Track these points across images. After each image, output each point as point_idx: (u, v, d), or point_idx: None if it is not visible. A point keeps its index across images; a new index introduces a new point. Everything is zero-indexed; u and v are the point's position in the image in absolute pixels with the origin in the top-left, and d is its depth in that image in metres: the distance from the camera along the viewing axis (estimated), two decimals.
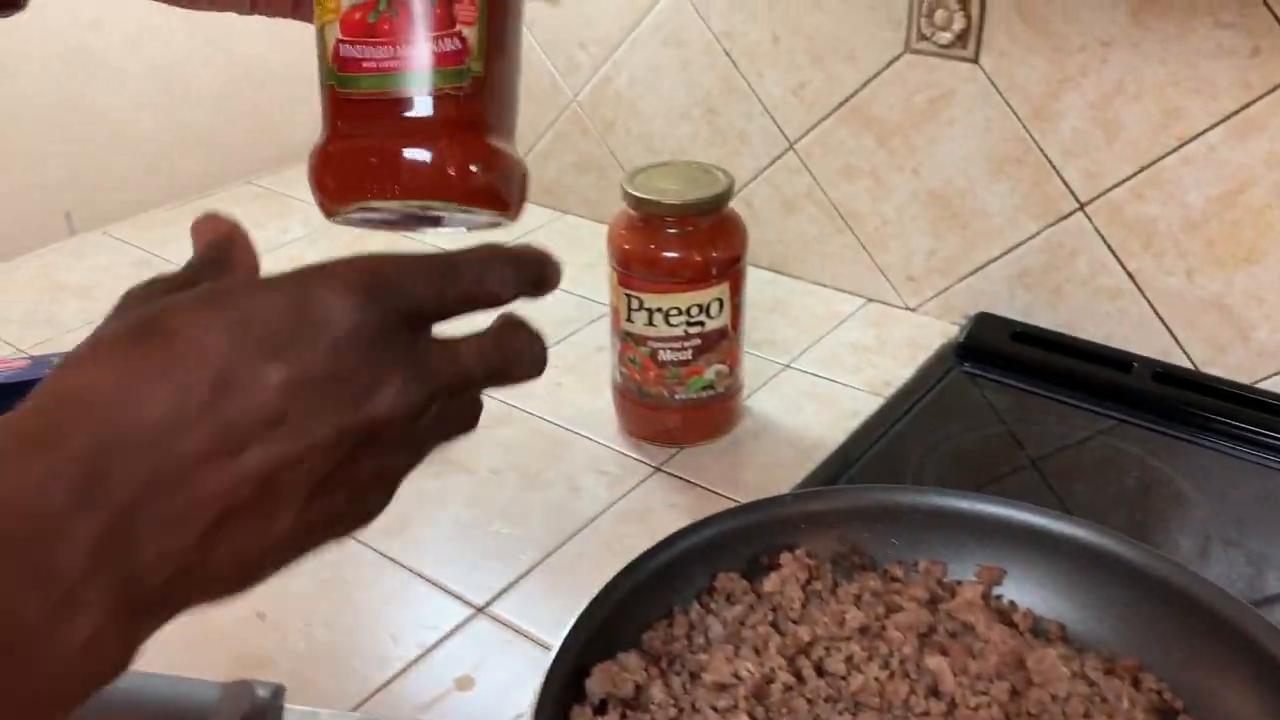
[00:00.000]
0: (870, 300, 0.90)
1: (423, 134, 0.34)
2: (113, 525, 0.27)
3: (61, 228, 1.04)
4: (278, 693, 0.43)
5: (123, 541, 0.27)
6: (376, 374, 0.30)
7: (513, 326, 0.34)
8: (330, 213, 0.37)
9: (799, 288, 0.93)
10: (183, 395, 0.28)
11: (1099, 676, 0.50)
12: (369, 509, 0.34)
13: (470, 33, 0.34)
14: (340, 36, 0.35)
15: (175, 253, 1.00)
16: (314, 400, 0.29)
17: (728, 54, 0.89)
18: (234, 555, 0.30)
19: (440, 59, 0.34)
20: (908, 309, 0.89)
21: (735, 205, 0.70)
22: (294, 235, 1.03)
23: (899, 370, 0.81)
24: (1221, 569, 0.64)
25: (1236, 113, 0.70)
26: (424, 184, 0.35)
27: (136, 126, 1.07)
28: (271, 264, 1.01)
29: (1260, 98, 0.68)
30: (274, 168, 1.16)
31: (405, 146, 0.34)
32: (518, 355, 0.34)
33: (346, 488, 0.32)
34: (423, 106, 0.34)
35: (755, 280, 0.80)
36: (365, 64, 0.34)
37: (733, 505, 0.58)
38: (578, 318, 0.88)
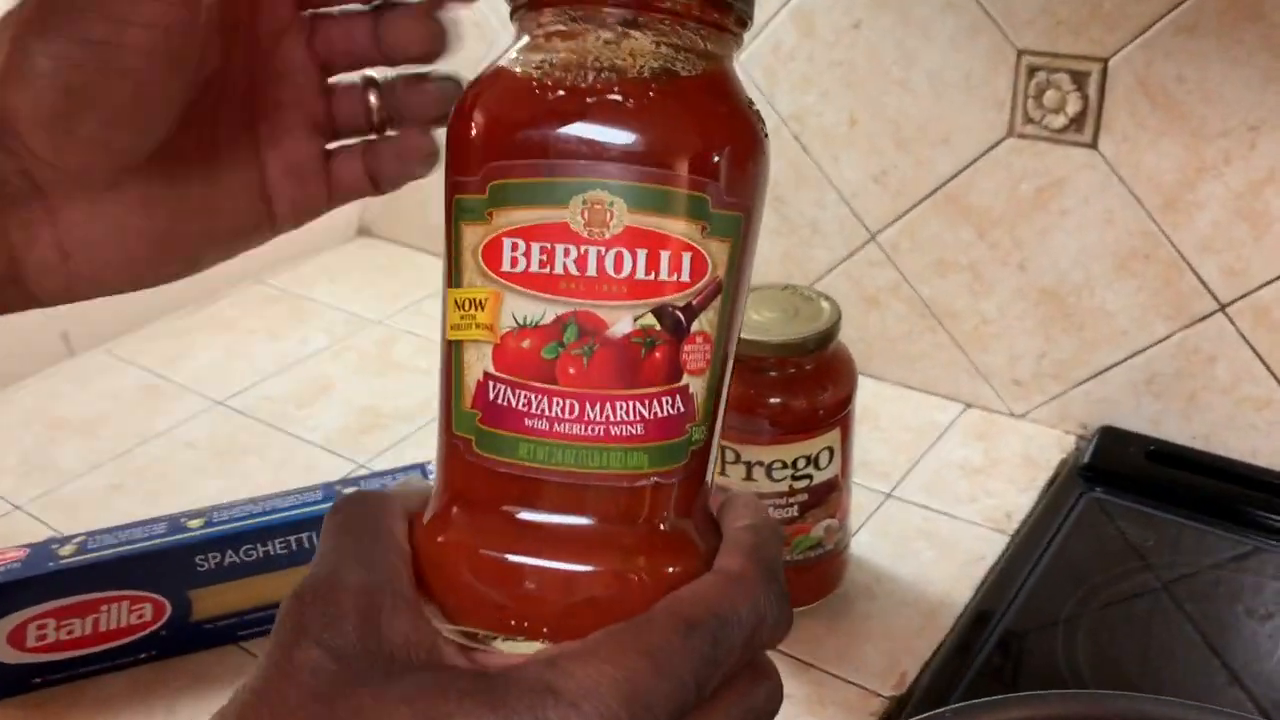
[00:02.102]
0: (969, 406, 0.81)
1: (609, 548, 0.24)
2: None
3: (59, 349, 0.94)
4: None
5: None
6: None
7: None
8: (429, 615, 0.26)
9: (885, 391, 0.83)
10: None
11: None
12: None
13: (699, 385, 0.24)
14: (492, 370, 0.24)
15: (185, 372, 0.90)
16: None
17: (797, 138, 0.80)
18: None
19: (653, 427, 0.24)
20: (1013, 415, 0.79)
21: None
22: (315, 347, 0.93)
23: (1017, 497, 0.71)
24: None
25: None
26: (593, 626, 0.23)
27: None
28: (293, 381, 0.90)
29: None
30: (288, 264, 1.07)
31: (576, 565, 0.24)
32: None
33: None
34: (615, 502, 0.24)
35: None
36: (529, 422, 0.24)
37: (859, 696, 0.48)
38: None
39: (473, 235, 0.25)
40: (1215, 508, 0.69)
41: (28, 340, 0.92)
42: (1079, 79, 0.67)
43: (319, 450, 0.80)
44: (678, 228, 0.24)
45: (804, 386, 0.58)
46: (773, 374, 0.58)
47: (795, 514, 0.60)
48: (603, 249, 0.23)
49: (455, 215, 0.25)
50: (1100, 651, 0.59)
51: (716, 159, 0.25)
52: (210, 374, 0.90)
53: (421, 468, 0.66)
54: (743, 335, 0.56)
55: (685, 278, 0.24)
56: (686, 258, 0.24)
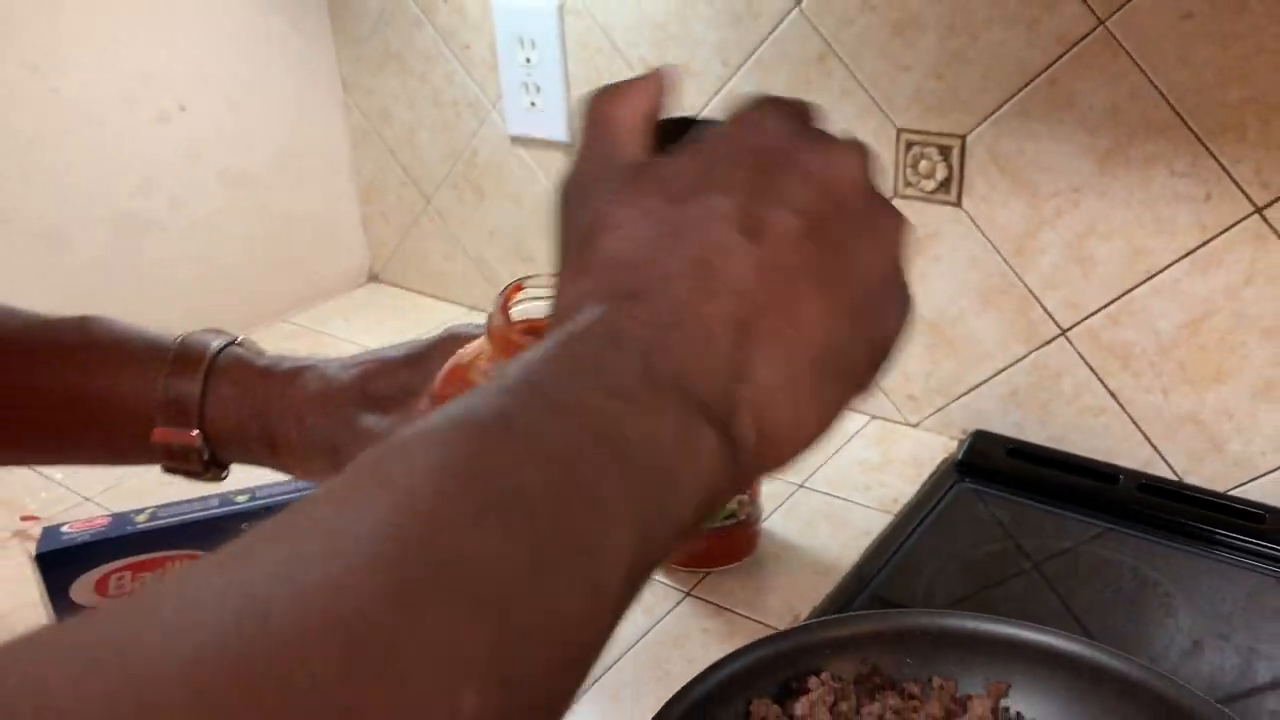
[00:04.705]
0: (874, 417, 0.97)
1: None
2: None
3: None
4: None
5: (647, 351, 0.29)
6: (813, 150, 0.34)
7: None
8: None
9: None
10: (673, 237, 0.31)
11: None
12: (889, 303, 0.34)
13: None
14: None
15: None
16: (771, 191, 0.32)
17: None
18: (779, 365, 0.30)
19: None
20: (909, 425, 0.96)
21: None
22: None
23: (904, 487, 0.87)
24: (1212, 665, 0.69)
25: (1195, 250, 0.77)
26: None
27: (178, 273, 1.15)
28: None
29: (1215, 237, 0.76)
30: (305, 305, 1.24)
31: None
32: None
33: (844, 259, 0.32)
34: None
35: None
36: None
37: (761, 630, 0.64)
38: None
39: None
40: (1064, 494, 0.85)
41: None
42: (944, 151, 0.85)
43: None
44: None
45: None
46: None
47: None
48: None
49: None
50: (950, 595, 0.75)
51: None
52: None
53: None
54: None
55: None
56: None
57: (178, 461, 0.55)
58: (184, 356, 0.54)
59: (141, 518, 0.76)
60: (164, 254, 1.13)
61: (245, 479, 0.88)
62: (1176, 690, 0.59)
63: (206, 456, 0.55)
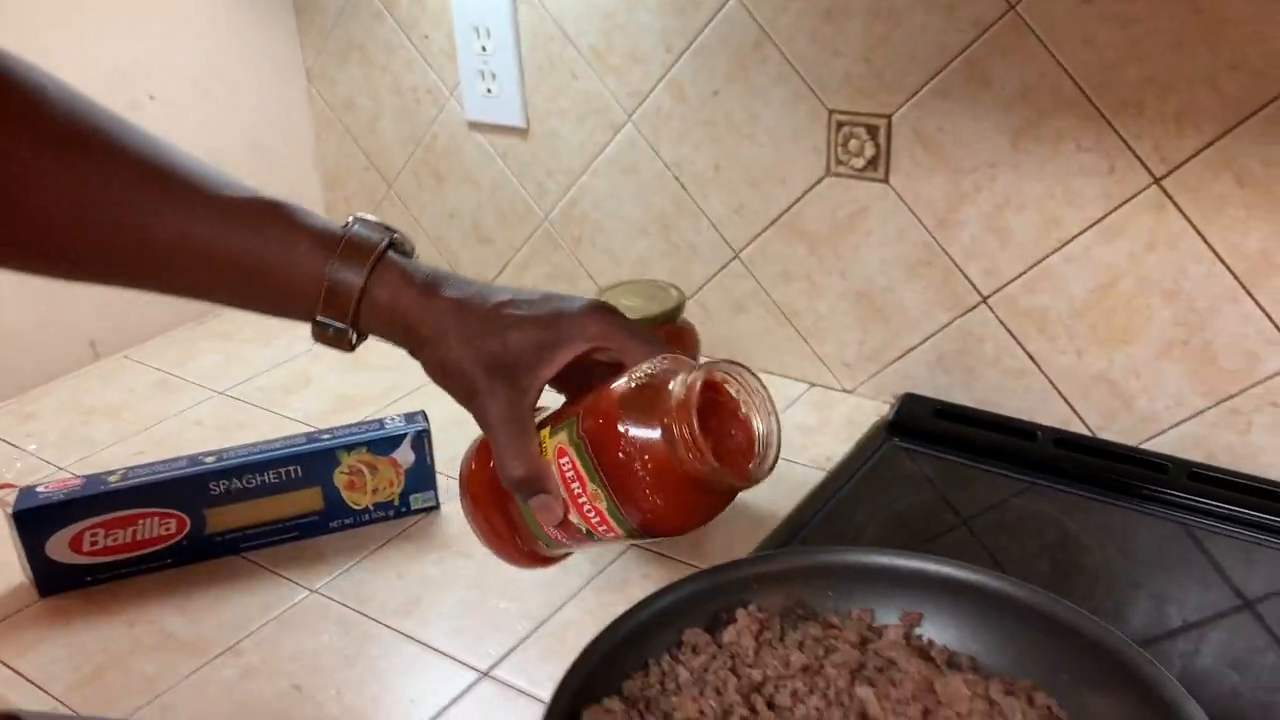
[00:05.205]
0: (813, 385, 1.03)
1: None
2: None
3: (87, 354, 1.15)
4: None
5: None
6: None
7: None
8: None
9: None
10: None
11: (1000, 696, 0.61)
12: None
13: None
14: None
15: (191, 371, 1.11)
16: None
17: (677, 179, 1.03)
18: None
19: None
20: (845, 391, 1.01)
21: (691, 306, 0.82)
22: (299, 350, 1.14)
23: (839, 447, 0.93)
24: (1125, 608, 0.75)
25: (1102, 219, 0.83)
26: None
27: None
28: (281, 376, 1.14)
29: (1119, 207, 0.82)
30: None
31: None
32: None
33: None
34: None
35: None
36: None
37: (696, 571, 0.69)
38: None
39: None
40: (988, 451, 0.90)
41: (61, 346, 1.13)
42: (872, 131, 0.91)
43: (301, 425, 1.01)
44: None
45: None
46: None
47: None
48: None
49: None
50: (881, 542, 0.80)
51: None
52: (213, 372, 1.11)
53: (380, 421, 0.87)
54: None
55: None
56: None
57: (328, 339, 0.59)
58: (352, 248, 0.57)
59: (114, 478, 0.81)
60: None
61: (217, 441, 0.96)
62: (1075, 615, 0.64)
63: (354, 341, 0.59)
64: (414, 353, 0.59)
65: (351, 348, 0.60)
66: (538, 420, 0.58)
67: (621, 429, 0.53)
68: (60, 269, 0.59)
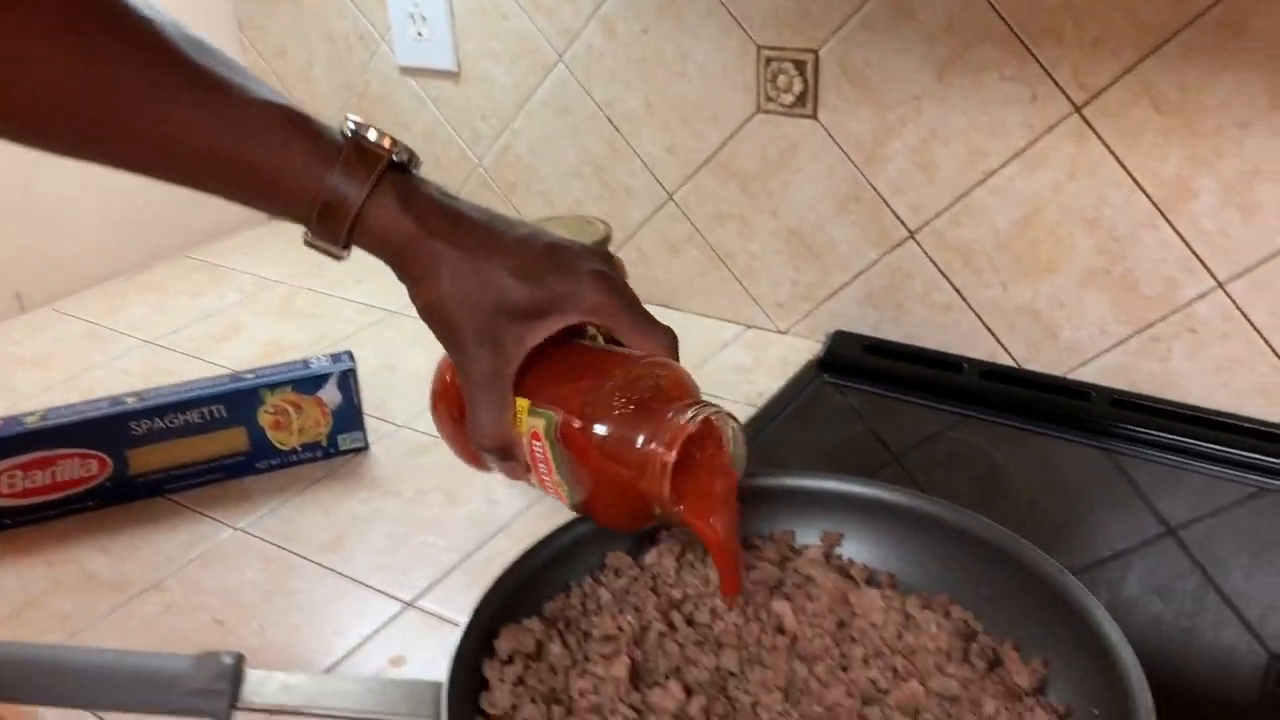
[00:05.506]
0: (749, 327, 1.03)
1: None
2: None
3: (12, 306, 1.13)
4: (240, 659, 0.53)
5: None
6: None
7: None
8: None
9: (687, 320, 1.05)
10: None
11: (916, 610, 0.62)
12: None
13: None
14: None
15: (120, 322, 1.10)
16: None
17: (610, 120, 1.02)
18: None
19: None
20: (779, 332, 1.02)
21: (627, 249, 0.82)
22: (230, 301, 1.13)
23: (772, 385, 0.93)
24: (1053, 537, 0.75)
25: (1025, 149, 0.84)
26: None
27: (80, 209, 1.17)
28: (211, 325, 1.13)
29: (1041, 136, 0.83)
30: (208, 241, 1.27)
31: None
32: None
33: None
34: None
35: None
36: None
37: None
38: None
39: None
40: (916, 385, 0.91)
41: None
42: (800, 66, 0.90)
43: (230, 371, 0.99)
44: None
45: None
46: None
47: None
48: None
49: None
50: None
51: None
52: (142, 323, 1.10)
53: (305, 361, 0.86)
54: None
55: None
56: None
57: (320, 249, 0.56)
58: (355, 157, 0.54)
59: (32, 419, 0.79)
60: (67, 190, 1.15)
61: (135, 383, 0.95)
62: (990, 530, 0.65)
63: (347, 256, 0.56)
64: (403, 282, 0.57)
65: (341, 258, 0.57)
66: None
67: (600, 453, 0.54)
68: (60, 145, 0.55)
